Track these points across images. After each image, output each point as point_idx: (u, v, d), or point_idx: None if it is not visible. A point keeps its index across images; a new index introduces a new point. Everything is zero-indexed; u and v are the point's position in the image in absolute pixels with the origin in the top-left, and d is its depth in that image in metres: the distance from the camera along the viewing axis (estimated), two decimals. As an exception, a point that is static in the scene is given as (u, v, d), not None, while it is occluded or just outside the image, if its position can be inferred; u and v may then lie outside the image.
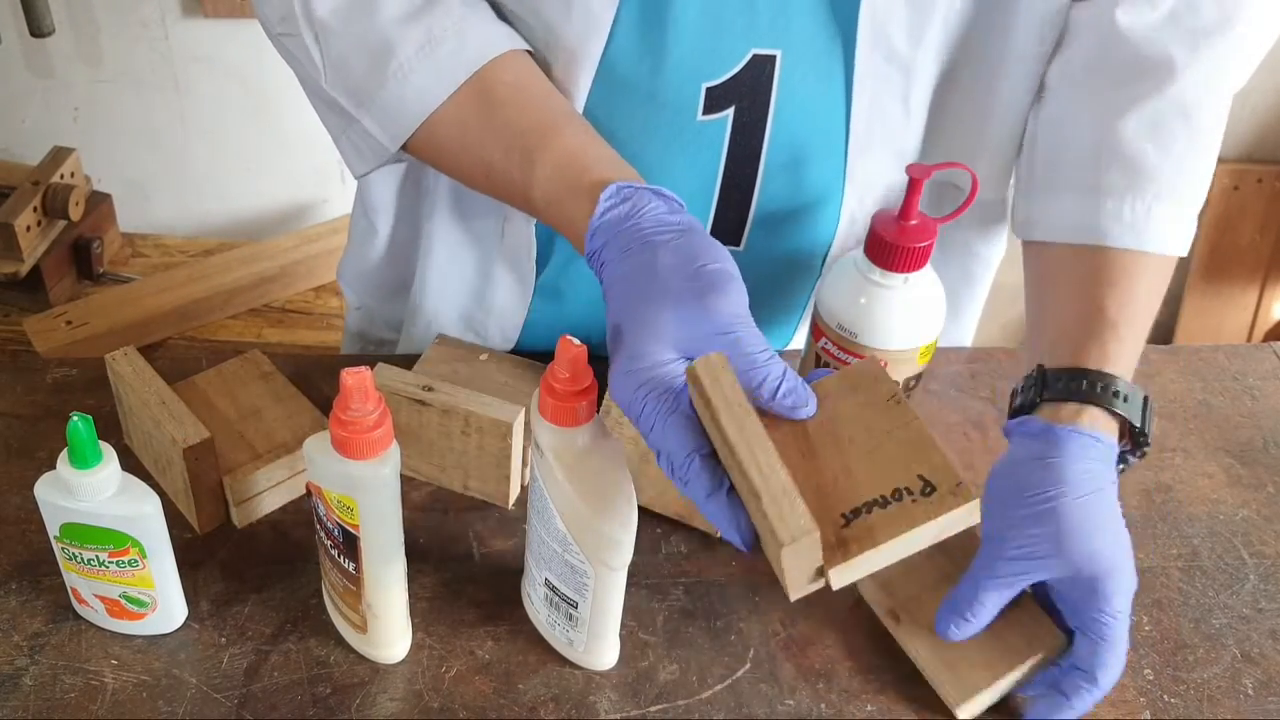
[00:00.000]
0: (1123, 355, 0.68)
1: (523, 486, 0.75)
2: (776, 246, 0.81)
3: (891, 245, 0.69)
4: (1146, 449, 0.68)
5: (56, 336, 1.62)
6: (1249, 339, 2.16)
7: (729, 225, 0.79)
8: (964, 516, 0.54)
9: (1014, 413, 0.69)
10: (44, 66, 1.81)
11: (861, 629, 0.69)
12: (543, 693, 0.65)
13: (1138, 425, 0.66)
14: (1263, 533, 0.78)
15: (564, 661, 0.66)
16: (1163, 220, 0.71)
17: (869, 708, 0.65)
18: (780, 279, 0.84)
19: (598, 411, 0.60)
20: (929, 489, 0.53)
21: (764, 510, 0.51)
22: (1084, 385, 0.66)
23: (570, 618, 0.64)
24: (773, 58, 0.71)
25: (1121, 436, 0.67)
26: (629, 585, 0.64)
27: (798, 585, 0.53)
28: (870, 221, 0.71)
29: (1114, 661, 0.63)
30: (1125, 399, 0.66)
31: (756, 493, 0.51)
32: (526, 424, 0.72)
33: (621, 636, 0.66)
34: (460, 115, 0.69)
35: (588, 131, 0.69)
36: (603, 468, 0.60)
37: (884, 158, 0.78)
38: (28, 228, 1.62)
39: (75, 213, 1.67)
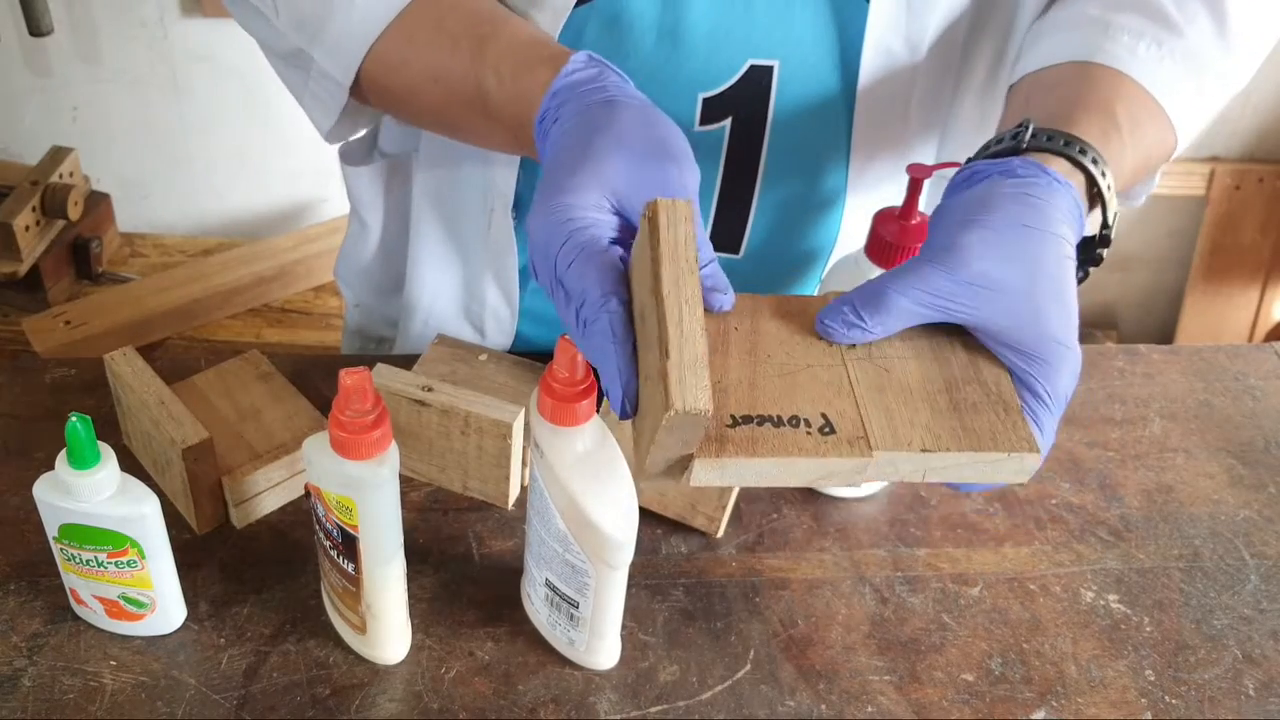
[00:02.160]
0: (1123, 157, 0.61)
1: (522, 487, 0.75)
2: (776, 253, 0.81)
3: (891, 245, 0.69)
4: (1100, 259, 0.61)
5: (55, 336, 1.62)
6: (1250, 339, 2.16)
7: (728, 235, 0.79)
8: (853, 470, 0.51)
9: (981, 158, 0.61)
10: (43, 66, 1.81)
11: (863, 629, 0.69)
12: (542, 694, 0.65)
13: (1110, 226, 0.60)
14: (1264, 533, 0.78)
15: (564, 662, 0.66)
16: (1173, 75, 0.66)
17: (869, 708, 0.65)
18: (781, 282, 0.84)
19: (598, 411, 0.60)
20: (828, 429, 0.51)
21: (666, 370, 0.46)
22: (1079, 150, 0.59)
23: (571, 618, 0.64)
24: (770, 68, 0.71)
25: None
26: (629, 585, 0.64)
27: (654, 466, 0.49)
28: (870, 221, 0.71)
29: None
30: (1109, 189, 0.60)
31: (667, 350, 0.47)
32: (526, 424, 0.72)
33: (621, 637, 0.66)
34: (407, 29, 0.67)
35: (537, 27, 0.67)
36: (603, 467, 0.59)
37: (888, 164, 0.77)
38: (26, 227, 1.62)
39: (74, 212, 1.67)
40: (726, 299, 0.55)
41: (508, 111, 0.64)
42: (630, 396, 0.50)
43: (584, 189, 0.53)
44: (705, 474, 0.50)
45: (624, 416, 0.50)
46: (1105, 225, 0.61)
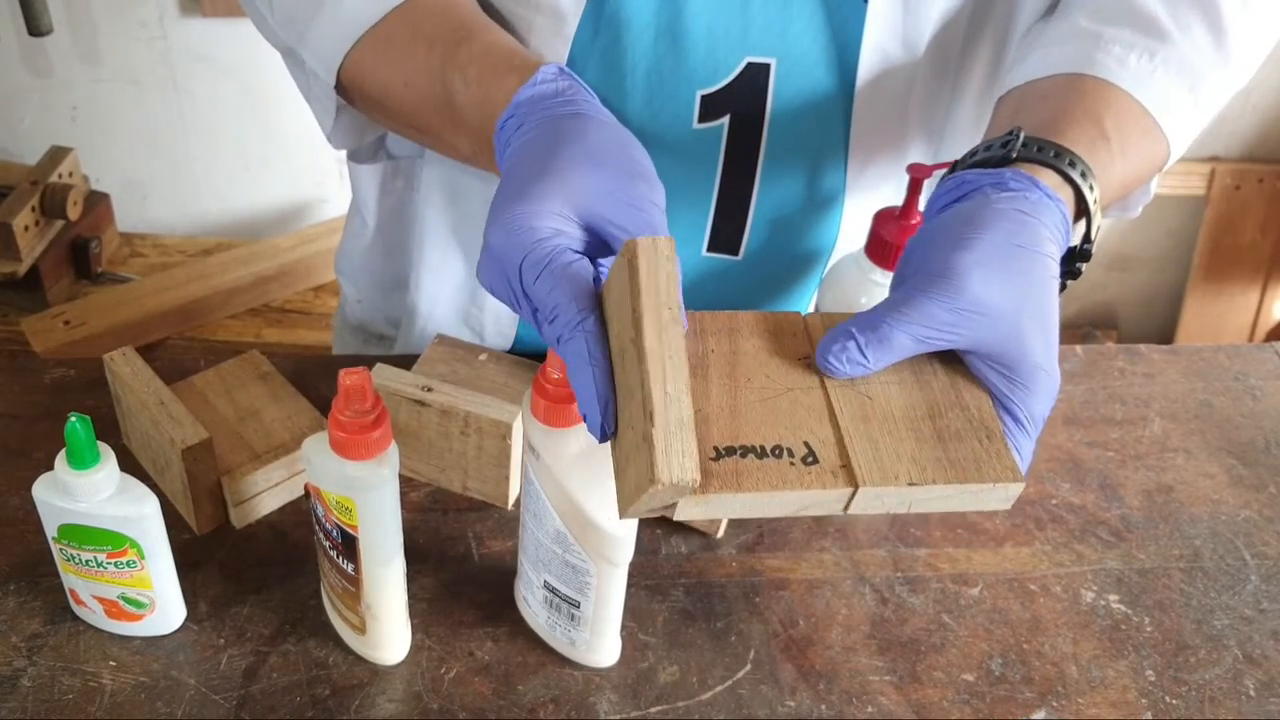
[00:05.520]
0: (1110, 169, 0.61)
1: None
2: (776, 253, 0.80)
3: (892, 245, 0.69)
4: (1079, 273, 0.61)
5: (54, 336, 1.62)
6: (1250, 339, 2.16)
7: (727, 233, 0.79)
8: (835, 499, 0.50)
9: (969, 167, 0.60)
10: (42, 66, 1.81)
11: (863, 629, 0.69)
12: (542, 694, 0.64)
13: (1092, 241, 0.60)
14: (1264, 533, 0.77)
15: (563, 662, 0.66)
16: (1166, 86, 0.65)
17: (869, 709, 0.65)
18: (780, 284, 0.84)
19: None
20: (811, 458, 0.50)
21: (651, 436, 0.45)
22: (1068, 162, 0.58)
23: (572, 618, 0.64)
24: (767, 66, 0.71)
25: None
26: (629, 585, 0.64)
27: (636, 511, 0.49)
28: (870, 221, 0.71)
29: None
30: (1096, 203, 0.59)
31: (652, 415, 0.45)
32: (526, 424, 0.72)
33: (621, 637, 0.66)
34: (387, 31, 0.67)
35: (514, 38, 0.67)
36: (599, 465, 0.59)
37: (886, 165, 0.77)
38: (26, 227, 1.62)
39: (73, 212, 1.67)
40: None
41: (472, 116, 0.63)
42: (609, 418, 0.49)
43: (547, 197, 0.52)
44: (689, 510, 0.49)
45: (602, 439, 0.50)
46: (1087, 239, 0.60)
